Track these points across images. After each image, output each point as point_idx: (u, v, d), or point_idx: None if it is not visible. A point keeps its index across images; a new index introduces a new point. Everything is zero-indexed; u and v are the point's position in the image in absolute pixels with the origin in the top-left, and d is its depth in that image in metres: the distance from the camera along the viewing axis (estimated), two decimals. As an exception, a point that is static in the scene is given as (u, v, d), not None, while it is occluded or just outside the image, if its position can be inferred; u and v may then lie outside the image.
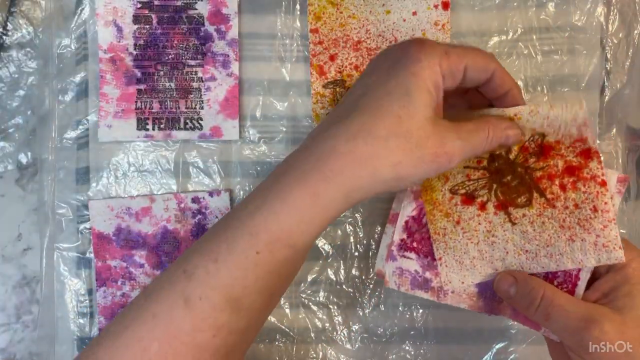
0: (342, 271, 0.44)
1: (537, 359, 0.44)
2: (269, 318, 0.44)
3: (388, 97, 0.30)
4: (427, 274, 0.37)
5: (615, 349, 0.30)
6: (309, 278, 0.45)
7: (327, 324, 0.45)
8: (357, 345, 0.44)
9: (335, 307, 0.45)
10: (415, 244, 0.37)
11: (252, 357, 0.44)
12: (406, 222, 0.37)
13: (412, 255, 0.37)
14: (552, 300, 0.32)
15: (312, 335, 0.44)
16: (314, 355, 0.44)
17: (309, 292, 0.45)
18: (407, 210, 0.37)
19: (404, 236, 0.37)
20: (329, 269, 0.44)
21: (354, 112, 0.30)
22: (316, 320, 0.45)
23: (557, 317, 0.31)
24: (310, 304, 0.45)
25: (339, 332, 0.45)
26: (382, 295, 0.44)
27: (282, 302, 0.45)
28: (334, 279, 0.44)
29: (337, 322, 0.45)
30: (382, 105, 0.29)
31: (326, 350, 0.44)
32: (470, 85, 0.33)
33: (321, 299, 0.45)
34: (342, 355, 0.44)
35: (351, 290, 0.45)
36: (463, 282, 0.36)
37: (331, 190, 0.29)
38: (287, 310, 0.45)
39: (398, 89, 0.30)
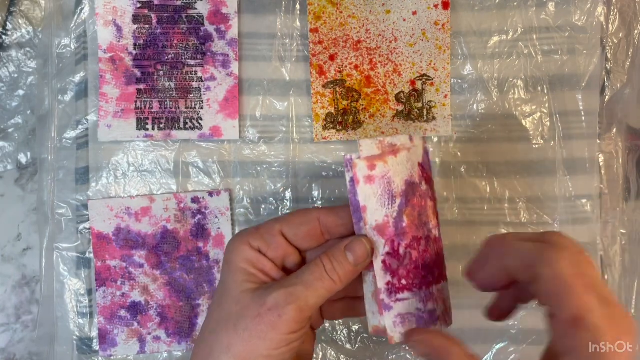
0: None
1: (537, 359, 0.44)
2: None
3: (215, 293, 0.33)
4: (430, 305, 0.32)
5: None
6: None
7: (327, 324, 0.45)
8: (357, 346, 0.44)
9: (335, 307, 0.45)
10: (404, 281, 0.32)
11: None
12: (384, 262, 0.31)
13: (406, 294, 0.32)
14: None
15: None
16: (314, 355, 0.44)
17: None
18: (380, 250, 0.31)
19: (389, 278, 0.31)
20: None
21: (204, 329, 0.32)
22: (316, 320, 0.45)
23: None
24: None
25: (339, 332, 0.44)
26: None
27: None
28: (334, 279, 0.44)
29: (337, 322, 0.45)
30: (212, 303, 0.32)
31: (326, 350, 0.44)
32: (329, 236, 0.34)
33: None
34: (342, 355, 0.44)
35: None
36: None
37: None
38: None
39: (220, 283, 0.32)
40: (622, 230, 0.45)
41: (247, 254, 0.32)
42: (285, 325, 0.29)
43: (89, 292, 0.44)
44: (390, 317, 0.31)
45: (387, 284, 0.31)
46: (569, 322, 0.25)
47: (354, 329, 0.44)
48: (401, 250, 0.32)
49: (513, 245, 0.28)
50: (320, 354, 0.44)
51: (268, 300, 0.29)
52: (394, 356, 0.44)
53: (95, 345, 0.44)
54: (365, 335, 0.44)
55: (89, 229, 0.44)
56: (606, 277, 0.45)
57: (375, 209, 0.31)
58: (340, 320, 0.44)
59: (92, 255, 0.44)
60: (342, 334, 0.44)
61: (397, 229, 0.31)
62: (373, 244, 0.31)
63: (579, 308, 0.24)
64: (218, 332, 0.30)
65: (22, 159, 0.47)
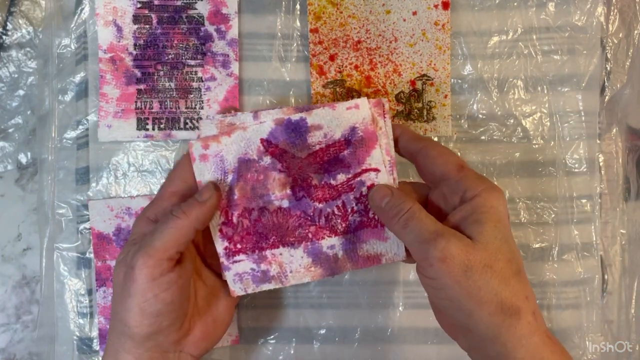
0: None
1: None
2: (269, 318, 0.44)
3: None
4: (263, 266, 0.37)
5: (456, 268, 0.30)
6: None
7: (328, 324, 0.45)
8: (356, 345, 0.44)
9: (336, 307, 0.45)
10: (239, 246, 0.36)
11: (252, 357, 0.44)
12: (220, 230, 0.36)
13: (242, 256, 0.37)
14: (414, 213, 0.32)
15: (313, 335, 0.44)
16: (315, 355, 0.44)
17: (309, 292, 0.45)
18: (216, 220, 0.36)
19: (226, 244, 0.36)
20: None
21: None
22: (316, 320, 0.44)
23: (413, 226, 0.32)
24: (311, 304, 0.45)
25: (339, 332, 0.45)
26: (383, 295, 0.44)
27: (282, 302, 0.45)
28: (334, 279, 0.44)
29: (337, 322, 0.45)
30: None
31: (326, 350, 0.44)
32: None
33: (322, 299, 0.44)
34: (342, 355, 0.44)
35: (351, 291, 0.44)
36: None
37: None
38: (288, 310, 0.45)
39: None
40: (622, 230, 0.45)
41: (140, 228, 0.34)
42: (140, 274, 0.31)
43: (89, 292, 0.44)
44: (230, 275, 0.37)
45: (225, 248, 0.36)
46: (457, 169, 0.34)
47: (354, 329, 0.44)
48: (234, 219, 0.36)
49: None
50: (321, 354, 0.44)
51: (127, 259, 0.32)
52: (394, 356, 0.44)
53: (96, 345, 0.44)
54: (365, 335, 0.44)
55: (89, 229, 0.44)
56: (606, 277, 0.45)
57: None
58: (340, 320, 0.44)
59: (92, 255, 0.44)
60: (342, 334, 0.44)
61: (229, 200, 0.36)
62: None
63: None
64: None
65: (22, 159, 0.47)
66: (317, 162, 0.36)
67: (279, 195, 0.36)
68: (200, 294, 0.36)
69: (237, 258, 0.37)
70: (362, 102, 0.36)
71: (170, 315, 0.32)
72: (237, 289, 0.37)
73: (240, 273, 0.37)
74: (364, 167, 0.36)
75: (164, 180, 0.44)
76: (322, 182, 0.36)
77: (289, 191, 0.36)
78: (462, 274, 0.30)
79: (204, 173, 0.36)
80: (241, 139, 0.36)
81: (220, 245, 0.36)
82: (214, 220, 0.36)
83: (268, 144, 0.36)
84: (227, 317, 0.38)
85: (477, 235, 0.31)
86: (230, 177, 0.36)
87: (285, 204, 0.36)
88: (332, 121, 0.36)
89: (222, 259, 0.37)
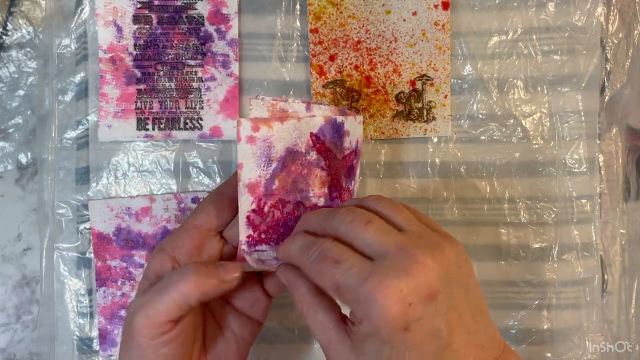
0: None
1: (537, 359, 0.44)
2: (269, 318, 0.44)
3: None
4: None
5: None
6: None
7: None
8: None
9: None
10: (263, 236, 0.35)
11: (252, 357, 0.44)
12: (248, 217, 0.34)
13: (264, 247, 0.35)
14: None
15: (313, 335, 0.44)
16: (315, 355, 0.44)
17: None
18: (245, 206, 0.34)
19: (250, 232, 0.34)
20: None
21: None
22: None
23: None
24: (310, 304, 0.45)
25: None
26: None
27: (282, 302, 0.45)
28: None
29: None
30: None
31: (326, 350, 0.44)
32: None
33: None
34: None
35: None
36: None
37: None
38: (288, 310, 0.45)
39: None
40: (622, 230, 0.45)
41: (155, 263, 0.33)
42: (139, 333, 0.30)
43: (89, 292, 0.44)
44: (251, 259, 0.34)
45: (248, 236, 0.34)
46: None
47: (354, 329, 0.44)
48: (265, 209, 0.34)
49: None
50: (321, 353, 0.44)
51: (130, 308, 0.31)
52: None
53: (96, 345, 0.44)
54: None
55: (89, 229, 0.44)
56: (606, 277, 0.45)
57: (251, 168, 0.33)
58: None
59: (92, 255, 0.44)
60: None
61: (266, 189, 0.34)
62: (242, 201, 0.33)
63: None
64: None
65: (22, 159, 0.47)
66: (345, 167, 0.36)
67: (317, 193, 0.35)
68: (209, 332, 0.34)
69: (259, 247, 0.35)
70: (360, 118, 0.36)
71: None
72: (252, 263, 0.34)
73: (263, 259, 0.35)
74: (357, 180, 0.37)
75: (162, 180, 0.44)
76: (346, 187, 0.36)
77: (326, 190, 0.36)
78: None
79: (249, 157, 0.33)
80: (294, 129, 0.34)
81: (244, 233, 0.34)
82: (243, 207, 0.34)
83: (317, 140, 0.35)
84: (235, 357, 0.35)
85: (361, 354, 0.27)
86: (273, 166, 0.34)
87: (321, 202, 0.35)
88: (354, 130, 0.36)
89: (243, 246, 0.34)
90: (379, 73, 0.44)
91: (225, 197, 0.34)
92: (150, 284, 0.32)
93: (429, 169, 0.45)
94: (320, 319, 0.29)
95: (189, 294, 0.30)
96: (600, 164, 0.45)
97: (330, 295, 0.30)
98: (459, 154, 0.45)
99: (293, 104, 0.34)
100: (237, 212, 0.34)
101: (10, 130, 0.47)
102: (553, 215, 0.44)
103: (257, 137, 0.33)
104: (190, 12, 0.44)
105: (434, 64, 0.44)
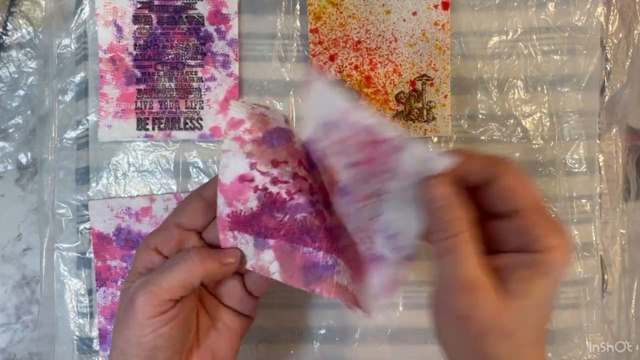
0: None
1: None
2: (269, 318, 0.44)
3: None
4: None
5: (472, 329, 0.26)
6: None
7: (328, 324, 0.45)
8: (356, 345, 0.44)
9: (336, 307, 0.45)
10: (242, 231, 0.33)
11: (252, 357, 0.44)
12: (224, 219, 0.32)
13: (246, 236, 0.32)
14: (459, 246, 0.27)
15: (313, 335, 0.44)
16: (315, 355, 0.44)
17: (309, 292, 0.45)
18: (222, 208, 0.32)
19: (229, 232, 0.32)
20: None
21: None
22: (317, 320, 0.45)
23: (450, 263, 0.27)
24: (311, 304, 0.45)
25: (339, 332, 0.45)
26: (382, 295, 0.44)
27: (282, 302, 0.45)
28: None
29: (337, 322, 0.45)
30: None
31: (326, 350, 0.44)
32: None
33: (322, 299, 0.45)
34: (343, 355, 0.44)
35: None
36: None
37: None
38: (288, 310, 0.45)
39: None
40: (622, 230, 0.45)
41: (143, 257, 0.33)
42: (140, 310, 0.30)
43: (89, 292, 0.44)
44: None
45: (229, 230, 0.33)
46: (532, 209, 0.28)
47: (354, 329, 0.44)
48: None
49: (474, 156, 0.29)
50: (321, 354, 0.44)
51: (129, 291, 0.31)
52: (394, 356, 0.44)
53: (96, 345, 0.44)
54: (365, 335, 0.44)
55: (89, 229, 0.44)
56: (606, 277, 0.45)
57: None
58: (340, 320, 0.44)
59: (92, 255, 0.44)
60: (342, 334, 0.45)
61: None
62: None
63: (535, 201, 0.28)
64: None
65: (23, 159, 0.47)
66: (298, 155, 0.35)
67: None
68: (202, 324, 0.34)
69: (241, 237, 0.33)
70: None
71: (169, 349, 0.31)
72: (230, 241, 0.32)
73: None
74: None
75: (162, 180, 0.44)
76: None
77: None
78: (474, 337, 0.26)
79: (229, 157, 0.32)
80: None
81: (224, 235, 0.32)
82: (220, 209, 0.32)
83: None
84: (229, 354, 0.35)
85: (520, 294, 0.26)
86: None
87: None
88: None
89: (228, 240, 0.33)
90: (379, 73, 0.44)
91: (205, 199, 0.34)
92: (140, 275, 0.33)
93: (429, 169, 0.45)
94: (470, 250, 0.27)
95: (194, 274, 0.31)
96: (600, 164, 0.45)
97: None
98: (459, 154, 0.45)
99: (274, 112, 0.33)
100: (215, 216, 0.33)
101: (10, 130, 0.47)
102: (553, 215, 0.44)
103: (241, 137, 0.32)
104: (190, 12, 0.44)
105: (434, 64, 0.44)
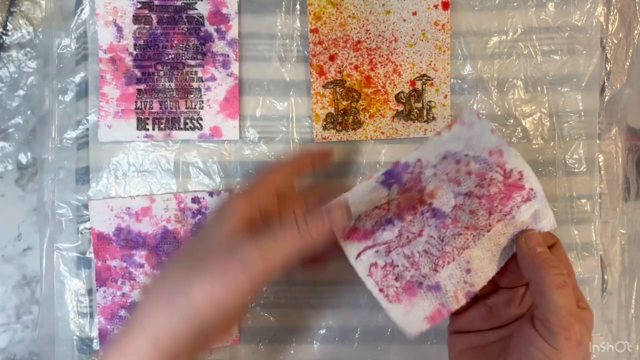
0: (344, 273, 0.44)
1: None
2: (269, 318, 0.44)
3: (188, 246, 0.32)
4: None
5: (575, 347, 0.29)
6: (310, 279, 0.45)
7: (328, 324, 0.45)
8: (356, 345, 0.44)
9: (336, 307, 0.45)
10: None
11: (252, 357, 0.44)
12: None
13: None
14: (569, 281, 0.30)
15: (313, 335, 0.44)
16: (315, 355, 0.44)
17: (309, 292, 0.45)
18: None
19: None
20: (330, 271, 0.44)
21: (164, 265, 0.32)
22: (316, 320, 0.45)
23: (569, 293, 0.30)
24: (311, 304, 0.45)
25: (339, 332, 0.45)
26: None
27: (283, 302, 0.45)
28: (334, 279, 0.44)
29: (337, 322, 0.45)
30: (183, 252, 0.31)
31: (326, 350, 0.44)
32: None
33: (322, 299, 0.45)
34: (342, 355, 0.44)
35: (351, 290, 0.44)
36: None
37: (136, 342, 0.28)
38: (288, 310, 0.45)
39: (203, 228, 0.32)
40: (621, 230, 0.45)
41: (235, 208, 0.32)
42: (249, 279, 0.29)
43: (89, 292, 0.44)
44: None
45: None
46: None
47: (354, 329, 0.44)
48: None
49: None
50: (321, 353, 0.44)
51: (237, 253, 0.29)
52: (394, 356, 0.44)
53: (96, 345, 0.44)
54: (365, 335, 0.44)
55: (89, 229, 0.44)
56: (606, 277, 0.45)
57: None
58: (340, 320, 0.44)
59: (92, 255, 0.44)
60: (342, 334, 0.45)
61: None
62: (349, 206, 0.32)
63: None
64: (182, 279, 0.29)
65: (23, 159, 0.47)
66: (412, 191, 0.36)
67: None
68: None
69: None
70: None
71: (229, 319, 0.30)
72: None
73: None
74: None
75: (162, 180, 0.44)
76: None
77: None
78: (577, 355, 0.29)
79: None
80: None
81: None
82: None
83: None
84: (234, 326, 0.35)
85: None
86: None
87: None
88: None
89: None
90: (379, 73, 0.44)
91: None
92: (237, 229, 0.31)
93: (429, 169, 0.45)
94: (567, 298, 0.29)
95: (304, 247, 0.30)
96: (600, 164, 0.45)
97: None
98: (459, 154, 0.45)
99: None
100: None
101: (10, 130, 0.47)
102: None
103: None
104: (190, 12, 0.44)
105: (434, 64, 0.44)
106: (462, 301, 0.32)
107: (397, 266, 0.33)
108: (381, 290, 0.33)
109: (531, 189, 0.32)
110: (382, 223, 0.33)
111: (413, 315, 0.33)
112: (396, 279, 0.33)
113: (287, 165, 0.36)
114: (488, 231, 0.32)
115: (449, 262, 0.32)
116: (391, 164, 0.33)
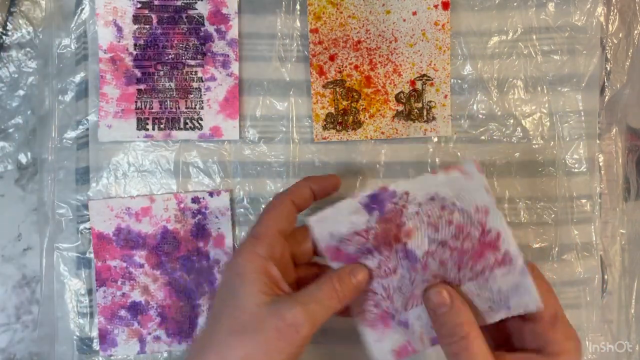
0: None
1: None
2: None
3: (221, 304, 0.33)
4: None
5: None
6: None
7: (328, 324, 0.44)
8: (357, 345, 0.44)
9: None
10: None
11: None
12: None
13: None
14: (468, 344, 0.30)
15: (313, 335, 0.44)
16: (315, 355, 0.44)
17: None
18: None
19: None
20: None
21: (203, 329, 0.34)
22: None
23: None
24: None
25: (339, 332, 0.44)
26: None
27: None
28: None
29: (337, 322, 0.45)
30: (218, 313, 0.32)
31: (326, 350, 0.44)
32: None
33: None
34: (343, 355, 0.44)
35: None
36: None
37: None
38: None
39: (227, 294, 0.33)
40: (621, 230, 0.45)
41: (258, 264, 0.33)
42: (302, 340, 0.31)
43: (89, 292, 0.44)
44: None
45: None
46: (551, 317, 0.31)
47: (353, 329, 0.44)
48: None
49: None
50: (321, 353, 0.44)
51: (287, 317, 0.31)
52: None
53: (96, 345, 0.44)
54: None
55: (89, 229, 0.44)
56: (606, 277, 0.45)
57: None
58: (340, 320, 0.44)
59: (92, 255, 0.44)
60: (341, 334, 0.44)
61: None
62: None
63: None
64: (231, 343, 0.30)
65: (23, 159, 0.47)
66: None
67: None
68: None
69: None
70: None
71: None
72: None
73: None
74: None
75: (162, 180, 0.44)
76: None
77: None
78: None
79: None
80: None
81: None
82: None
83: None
84: None
85: None
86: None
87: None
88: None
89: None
90: (379, 73, 0.44)
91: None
92: (270, 240, 0.34)
93: (429, 169, 0.45)
94: (481, 344, 0.30)
95: (337, 307, 0.33)
96: (600, 164, 0.45)
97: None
98: (459, 154, 0.45)
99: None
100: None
101: (10, 130, 0.47)
102: (553, 215, 0.44)
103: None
104: (190, 12, 0.44)
105: (434, 64, 0.44)
106: (427, 345, 0.33)
107: (377, 294, 0.34)
108: (360, 312, 0.34)
109: (507, 254, 0.31)
110: (364, 251, 0.33)
111: (383, 345, 0.34)
112: (375, 306, 0.34)
113: (290, 204, 0.37)
114: (457, 286, 0.32)
115: (416, 305, 0.33)
116: (378, 187, 0.32)
